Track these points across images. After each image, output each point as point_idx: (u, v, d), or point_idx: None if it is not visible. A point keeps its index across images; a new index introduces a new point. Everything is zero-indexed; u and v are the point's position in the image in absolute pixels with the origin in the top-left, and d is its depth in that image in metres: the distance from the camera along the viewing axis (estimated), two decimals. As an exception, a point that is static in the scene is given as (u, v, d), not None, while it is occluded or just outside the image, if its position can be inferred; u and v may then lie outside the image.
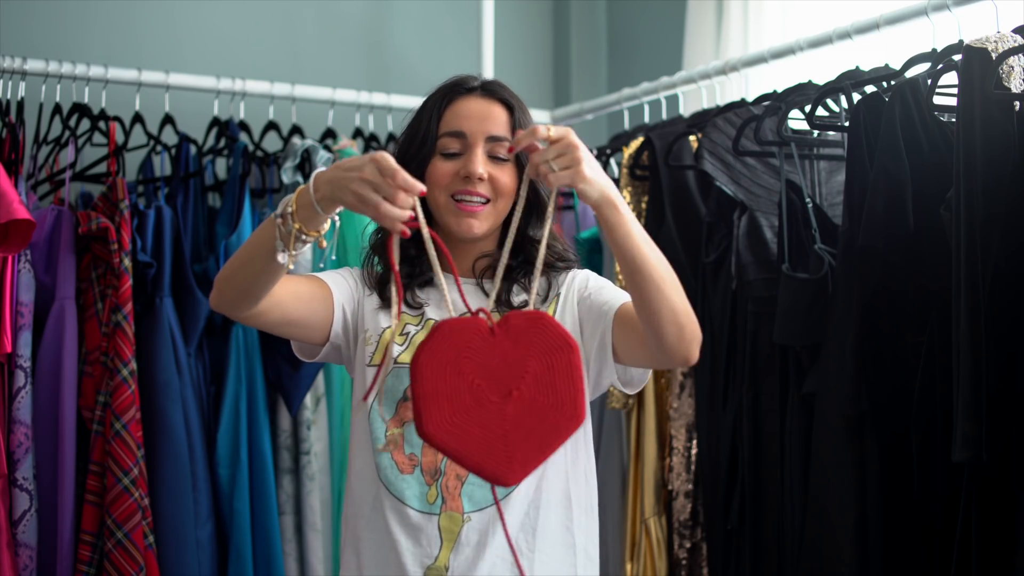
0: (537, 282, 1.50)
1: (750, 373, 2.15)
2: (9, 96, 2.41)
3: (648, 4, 3.37)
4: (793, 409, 2.04)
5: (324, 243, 1.46)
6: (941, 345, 1.77)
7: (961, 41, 1.87)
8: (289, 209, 1.43)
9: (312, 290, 1.65)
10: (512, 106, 1.68)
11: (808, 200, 2.08)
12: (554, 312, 1.67)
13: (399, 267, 1.45)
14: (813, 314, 1.97)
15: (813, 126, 2.11)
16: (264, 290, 1.52)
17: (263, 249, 1.47)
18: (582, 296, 1.67)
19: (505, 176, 1.64)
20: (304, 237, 1.44)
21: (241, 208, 2.48)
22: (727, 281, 2.22)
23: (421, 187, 1.37)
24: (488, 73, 3.11)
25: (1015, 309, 1.63)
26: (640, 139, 2.50)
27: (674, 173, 2.42)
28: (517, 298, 1.68)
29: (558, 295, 1.68)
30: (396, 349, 1.64)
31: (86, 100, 2.48)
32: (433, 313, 1.68)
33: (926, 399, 1.80)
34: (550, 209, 1.49)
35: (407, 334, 1.66)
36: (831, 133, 2.23)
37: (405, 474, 1.60)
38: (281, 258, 1.45)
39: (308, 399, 2.49)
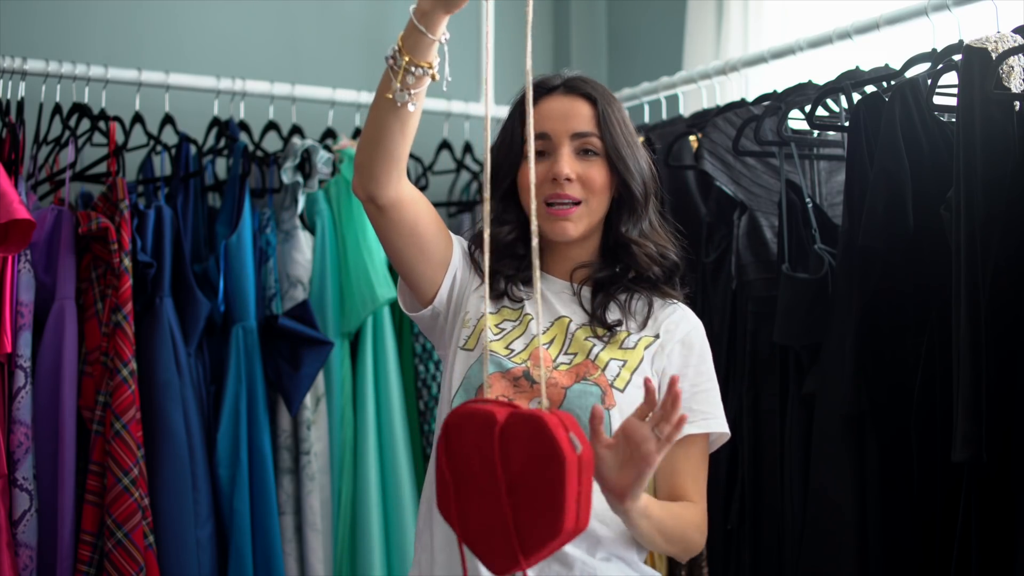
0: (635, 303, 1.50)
1: (750, 373, 2.15)
2: (9, 96, 2.41)
3: (648, 4, 3.37)
4: (793, 409, 2.04)
5: (437, 75, 1.48)
6: (941, 345, 1.77)
7: (961, 41, 1.87)
8: (396, 45, 1.47)
9: (441, 226, 1.65)
10: (595, 99, 1.65)
11: (808, 200, 2.08)
12: (650, 354, 1.62)
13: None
14: (813, 314, 1.97)
15: (813, 126, 2.11)
16: (399, 144, 1.53)
17: (383, 99, 1.50)
18: (679, 364, 1.62)
19: (595, 172, 1.63)
20: (414, 70, 1.46)
21: (241, 208, 2.48)
22: (727, 281, 2.22)
23: None
24: (488, 73, 3.10)
25: (1015, 308, 1.63)
26: (640, 139, 2.50)
27: (674, 173, 2.41)
28: (611, 315, 1.64)
29: (657, 336, 1.63)
30: (488, 335, 1.62)
31: (86, 100, 2.48)
32: (530, 309, 1.65)
33: (926, 399, 1.80)
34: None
35: (504, 329, 1.64)
36: (831, 133, 2.23)
37: None
38: (399, 98, 1.47)
39: (308, 399, 2.48)
